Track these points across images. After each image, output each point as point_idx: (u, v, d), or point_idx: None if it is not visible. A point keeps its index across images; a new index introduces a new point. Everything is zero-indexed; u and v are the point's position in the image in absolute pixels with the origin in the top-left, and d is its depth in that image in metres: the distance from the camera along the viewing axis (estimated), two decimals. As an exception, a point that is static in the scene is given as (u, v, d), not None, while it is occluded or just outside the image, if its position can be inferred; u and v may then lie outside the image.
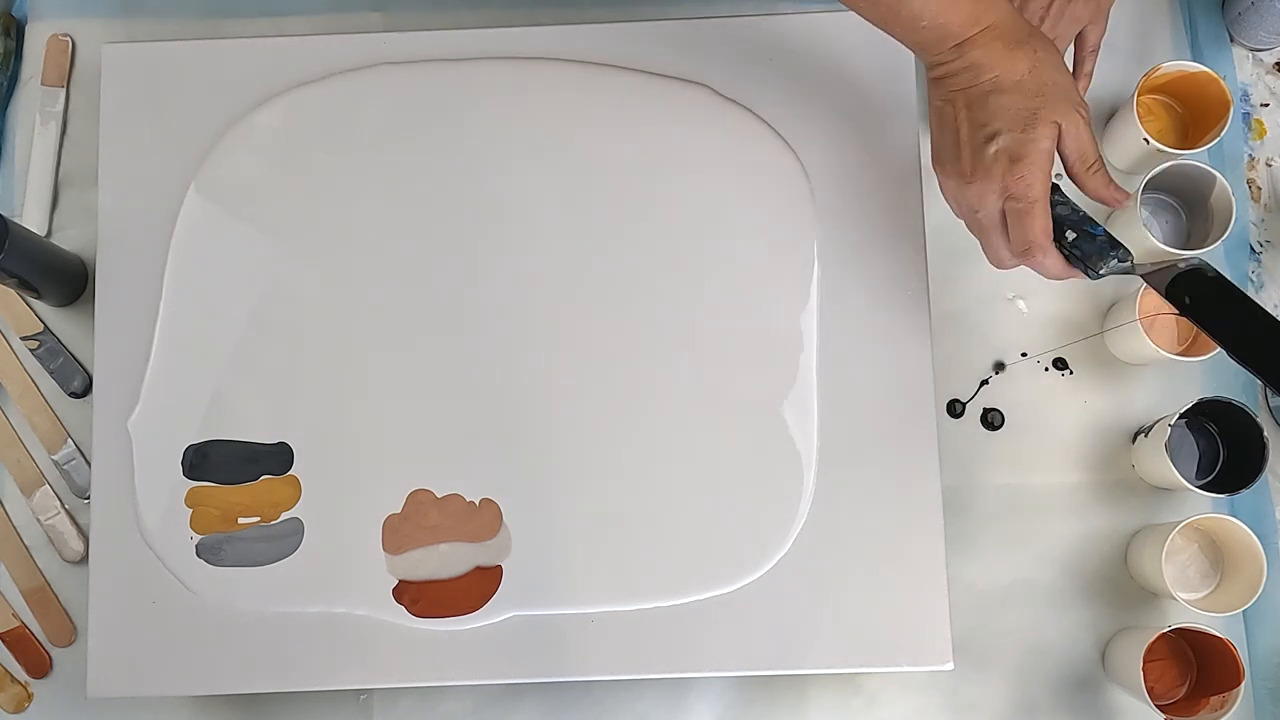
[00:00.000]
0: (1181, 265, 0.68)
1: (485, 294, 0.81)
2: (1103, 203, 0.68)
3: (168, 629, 0.79)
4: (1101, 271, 0.68)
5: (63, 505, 0.87)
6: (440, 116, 0.83)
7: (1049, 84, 0.65)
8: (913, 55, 0.71)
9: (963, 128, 0.66)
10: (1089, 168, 0.67)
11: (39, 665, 0.86)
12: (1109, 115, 0.89)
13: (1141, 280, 0.70)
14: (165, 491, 0.80)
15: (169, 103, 0.84)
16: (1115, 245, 0.68)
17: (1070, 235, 0.68)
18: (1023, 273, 0.86)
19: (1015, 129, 0.64)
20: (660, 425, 0.79)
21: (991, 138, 0.65)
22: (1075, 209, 0.69)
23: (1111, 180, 0.68)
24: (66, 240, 0.90)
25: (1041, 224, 0.66)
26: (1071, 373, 0.87)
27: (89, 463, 0.86)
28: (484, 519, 0.79)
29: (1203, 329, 0.68)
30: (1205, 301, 0.68)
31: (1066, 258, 0.68)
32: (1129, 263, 0.68)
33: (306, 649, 0.78)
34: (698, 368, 0.80)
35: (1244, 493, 0.79)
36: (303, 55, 0.84)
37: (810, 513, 0.78)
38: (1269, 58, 0.91)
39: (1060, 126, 0.65)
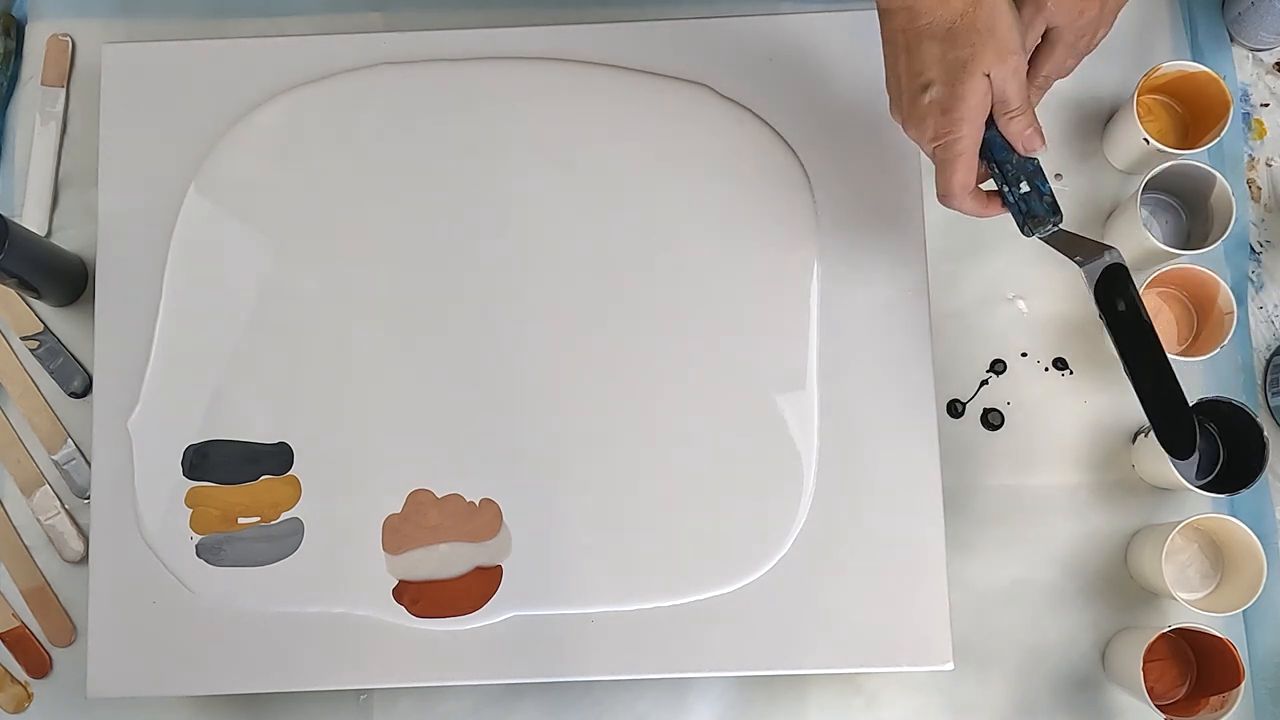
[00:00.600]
0: (1108, 258, 0.69)
1: (485, 293, 0.81)
2: (1017, 146, 0.67)
3: (168, 629, 0.79)
4: (1037, 234, 0.68)
5: (63, 505, 0.87)
6: (440, 116, 0.83)
7: (982, 31, 0.64)
8: None
9: (902, 74, 0.67)
10: (1006, 113, 0.66)
11: (39, 665, 0.86)
12: (1109, 115, 0.89)
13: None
14: (165, 491, 0.80)
15: (169, 103, 0.84)
16: (1056, 211, 0.68)
17: (1024, 187, 0.68)
18: (1023, 273, 0.87)
19: (946, 81, 0.65)
20: (660, 425, 0.79)
21: (925, 87, 0.65)
22: (1035, 160, 0.68)
23: (1032, 125, 0.67)
24: (66, 240, 0.90)
25: (960, 178, 0.66)
26: (1071, 373, 0.87)
27: (89, 463, 0.86)
28: (484, 519, 0.79)
29: (1116, 345, 0.69)
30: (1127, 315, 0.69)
31: (1012, 204, 0.68)
32: (1056, 230, 0.68)
33: (306, 649, 0.78)
34: (697, 367, 0.80)
35: (1244, 493, 0.79)
36: (303, 55, 0.84)
37: (810, 513, 0.78)
38: (1269, 58, 0.91)
39: (990, 77, 0.64)
